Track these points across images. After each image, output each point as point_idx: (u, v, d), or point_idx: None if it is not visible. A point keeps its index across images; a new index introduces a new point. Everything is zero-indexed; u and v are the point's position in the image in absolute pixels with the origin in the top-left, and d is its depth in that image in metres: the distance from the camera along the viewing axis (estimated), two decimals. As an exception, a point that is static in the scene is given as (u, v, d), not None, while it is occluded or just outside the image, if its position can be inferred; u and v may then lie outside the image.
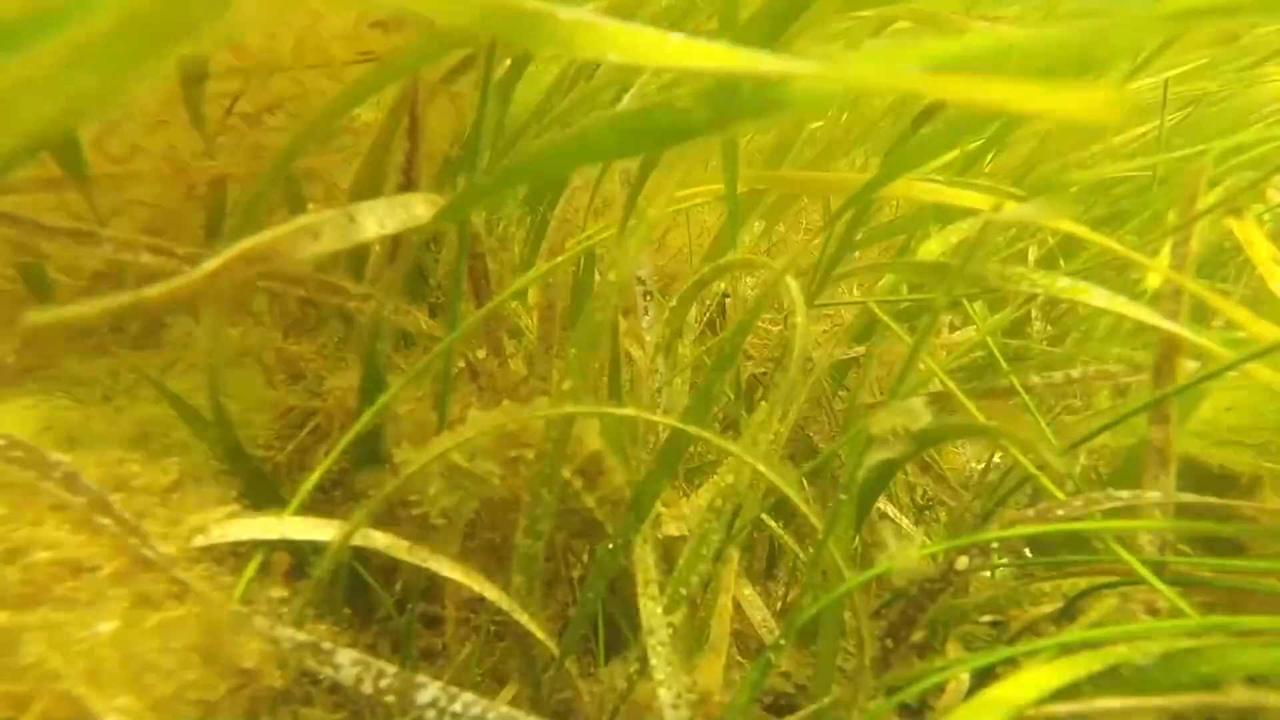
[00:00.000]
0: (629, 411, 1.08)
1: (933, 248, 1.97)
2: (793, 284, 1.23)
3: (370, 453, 1.19)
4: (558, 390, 1.04)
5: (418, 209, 0.88)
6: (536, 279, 1.32)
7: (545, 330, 1.32)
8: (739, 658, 1.41)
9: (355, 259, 1.31)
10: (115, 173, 1.17)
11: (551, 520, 1.08)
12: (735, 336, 1.10)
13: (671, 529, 1.28)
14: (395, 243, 1.18)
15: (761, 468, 1.06)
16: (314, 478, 1.00)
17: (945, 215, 2.20)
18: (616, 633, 1.34)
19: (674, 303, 1.28)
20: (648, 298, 1.40)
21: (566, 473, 1.15)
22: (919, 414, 1.09)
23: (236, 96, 1.28)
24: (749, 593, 1.40)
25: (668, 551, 1.26)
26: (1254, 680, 0.95)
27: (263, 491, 1.11)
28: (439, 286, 1.46)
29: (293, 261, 0.70)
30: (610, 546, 1.11)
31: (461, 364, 1.34)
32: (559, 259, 1.25)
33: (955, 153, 2.91)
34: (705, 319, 1.83)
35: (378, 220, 0.82)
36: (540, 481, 1.05)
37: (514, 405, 1.08)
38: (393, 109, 1.17)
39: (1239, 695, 0.84)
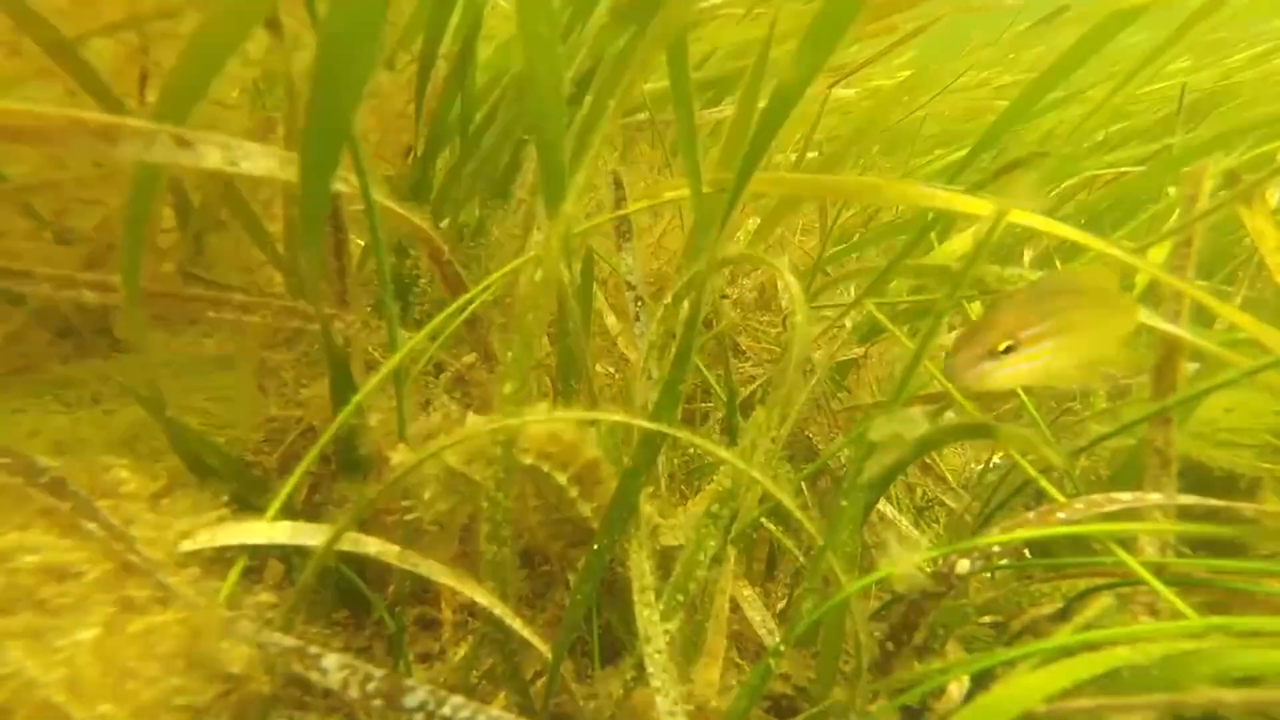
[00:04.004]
0: (611, 416, 1.06)
1: (951, 250, 1.97)
2: (793, 282, 1.21)
3: (353, 460, 1.18)
4: (500, 395, 1.01)
5: (262, 161, 0.99)
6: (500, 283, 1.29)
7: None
8: (739, 659, 1.40)
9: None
10: (56, 179, 1.16)
11: (511, 526, 1.06)
12: (688, 331, 1.08)
13: (669, 539, 1.26)
14: (337, 248, 1.18)
15: (758, 476, 1.04)
16: (291, 483, 0.99)
17: (946, 215, 2.19)
18: (614, 639, 1.33)
19: (668, 301, 1.27)
20: (639, 303, 1.39)
21: (563, 479, 1.13)
22: (917, 423, 1.08)
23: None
24: (749, 594, 1.39)
25: (664, 558, 1.24)
26: (1255, 682, 0.94)
27: (252, 497, 1.10)
28: (424, 294, 1.45)
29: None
30: (595, 547, 1.10)
31: (451, 370, 1.32)
32: (512, 264, 1.23)
33: (958, 154, 2.91)
34: (703, 319, 1.81)
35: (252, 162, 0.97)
36: (496, 487, 1.03)
37: (501, 415, 1.06)
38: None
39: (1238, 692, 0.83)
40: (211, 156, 0.93)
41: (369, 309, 1.29)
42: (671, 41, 1.17)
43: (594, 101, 1.36)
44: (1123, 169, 2.84)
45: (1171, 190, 2.66)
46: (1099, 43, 1.63)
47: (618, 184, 1.42)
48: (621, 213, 1.40)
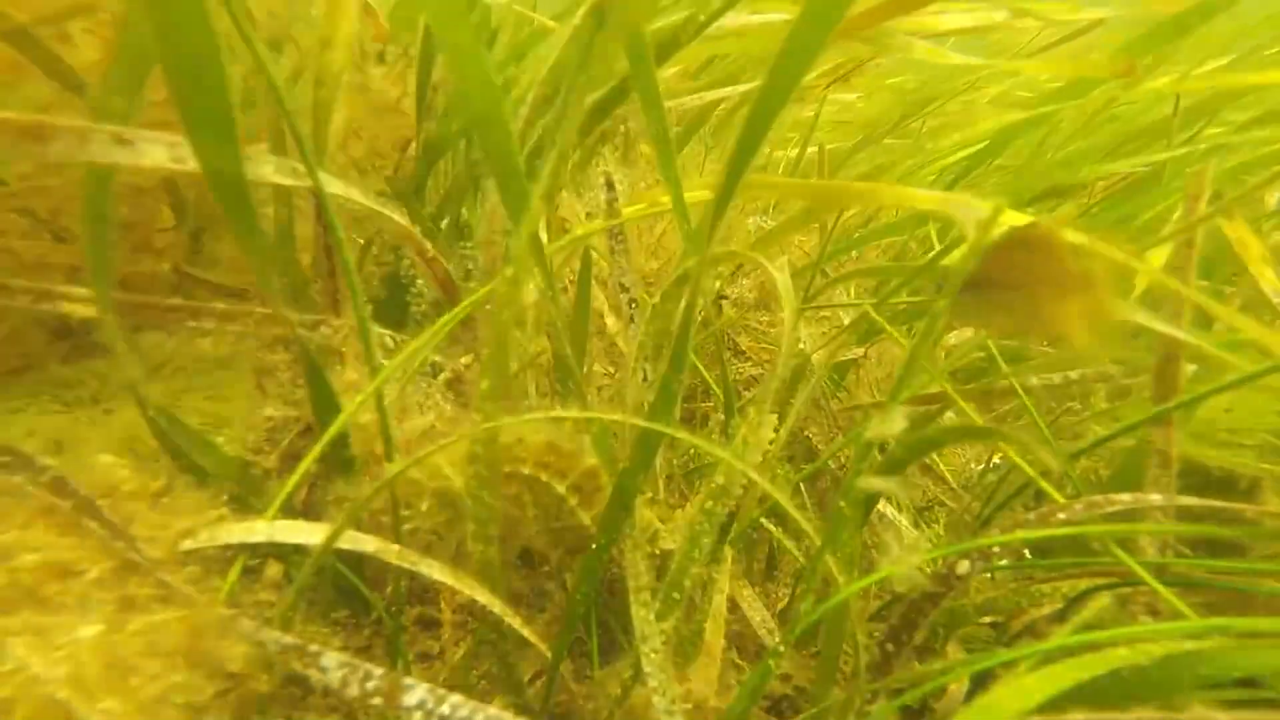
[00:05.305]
0: (607, 416, 1.06)
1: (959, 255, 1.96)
2: (780, 277, 1.21)
3: (343, 459, 1.18)
4: (478, 393, 1.00)
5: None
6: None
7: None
8: (739, 659, 1.40)
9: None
10: (47, 184, 1.16)
11: (499, 526, 1.06)
12: (683, 331, 1.07)
13: (668, 543, 1.26)
14: (327, 249, 1.17)
15: (753, 474, 1.04)
16: (291, 482, 0.99)
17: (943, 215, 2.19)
18: (612, 640, 1.33)
19: (657, 300, 1.27)
20: (632, 305, 1.39)
21: (561, 488, 1.13)
22: (897, 422, 1.08)
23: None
24: (749, 593, 1.39)
25: (664, 558, 1.25)
26: (1255, 682, 0.94)
27: (251, 496, 1.11)
28: (420, 293, 1.46)
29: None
30: (594, 547, 1.10)
31: (448, 370, 1.32)
32: (506, 272, 1.22)
33: (958, 155, 2.91)
34: (700, 319, 1.82)
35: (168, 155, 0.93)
36: (479, 486, 1.03)
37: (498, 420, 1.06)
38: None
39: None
40: (154, 154, 0.90)
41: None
42: (639, 64, 1.16)
43: (562, 104, 1.35)
44: (1127, 170, 2.84)
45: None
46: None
47: (610, 186, 1.42)
48: (616, 220, 1.40)
